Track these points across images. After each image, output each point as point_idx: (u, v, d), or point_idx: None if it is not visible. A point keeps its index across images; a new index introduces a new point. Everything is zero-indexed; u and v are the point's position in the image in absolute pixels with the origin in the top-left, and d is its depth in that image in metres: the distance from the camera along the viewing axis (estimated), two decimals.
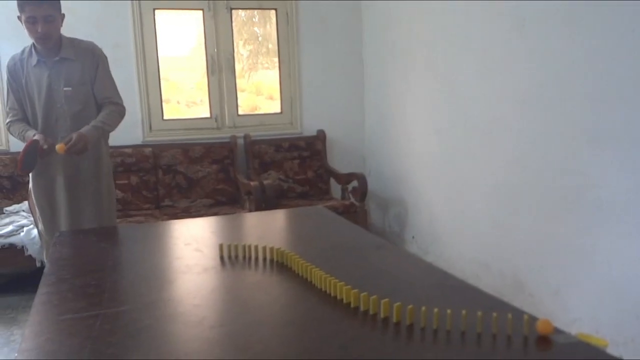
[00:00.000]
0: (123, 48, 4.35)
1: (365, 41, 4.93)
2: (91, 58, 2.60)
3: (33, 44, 2.51)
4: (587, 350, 1.11)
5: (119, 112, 2.68)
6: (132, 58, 4.40)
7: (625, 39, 2.39)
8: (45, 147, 2.38)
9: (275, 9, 4.78)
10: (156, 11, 4.46)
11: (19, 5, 2.40)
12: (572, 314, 2.78)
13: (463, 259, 3.71)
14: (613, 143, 2.48)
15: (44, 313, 1.39)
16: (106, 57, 2.68)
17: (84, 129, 2.49)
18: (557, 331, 1.17)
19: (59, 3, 2.48)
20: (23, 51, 2.57)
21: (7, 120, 2.60)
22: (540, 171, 2.94)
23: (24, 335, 1.23)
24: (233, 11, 4.70)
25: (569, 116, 2.72)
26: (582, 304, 2.72)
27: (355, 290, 1.33)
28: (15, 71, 2.54)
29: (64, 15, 2.52)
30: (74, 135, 2.41)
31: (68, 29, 2.65)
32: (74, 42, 2.58)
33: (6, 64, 2.58)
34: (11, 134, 2.62)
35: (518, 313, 1.25)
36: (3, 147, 4.19)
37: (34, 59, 2.50)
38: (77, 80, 2.55)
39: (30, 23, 2.40)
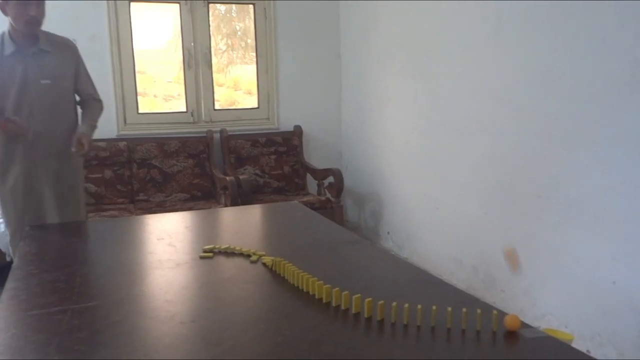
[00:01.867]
0: (98, 40, 4.29)
1: (343, 37, 4.93)
2: (70, 53, 2.55)
3: (8, 32, 2.43)
4: (554, 344, 1.13)
5: (101, 108, 2.72)
6: (107, 51, 4.33)
7: (599, 42, 2.43)
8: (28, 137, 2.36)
9: (254, 4, 4.75)
10: (132, 3, 4.40)
11: None
12: (541, 309, 2.82)
13: (437, 255, 3.75)
14: (584, 143, 2.53)
15: (11, 308, 1.37)
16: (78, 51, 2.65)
17: (84, 129, 2.47)
18: (525, 326, 1.19)
19: None
20: None
21: None
22: (514, 170, 2.98)
23: None
24: (211, 5, 4.66)
25: (542, 116, 2.76)
26: (551, 300, 2.76)
27: (328, 286, 1.34)
28: None
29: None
30: (84, 138, 2.39)
31: (45, 22, 2.60)
32: (49, 35, 2.52)
33: None
34: None
35: (487, 308, 1.27)
36: None
37: (9, 47, 2.41)
38: (56, 74, 2.48)
39: (22, 6, 2.31)
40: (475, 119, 3.27)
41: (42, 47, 2.44)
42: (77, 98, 2.64)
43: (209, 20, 4.64)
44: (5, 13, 2.35)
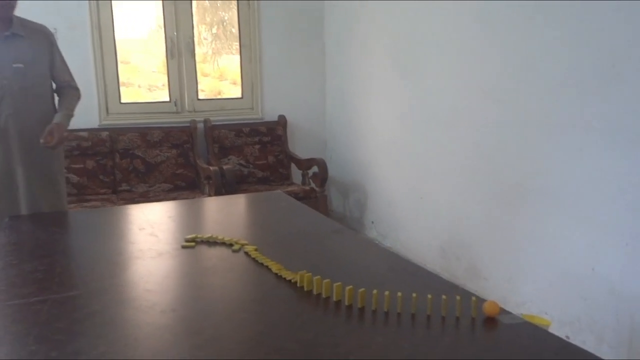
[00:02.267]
0: (79, 29, 4.23)
1: (327, 27, 4.91)
2: (45, 39, 2.53)
3: None
4: (531, 329, 1.14)
5: (78, 96, 2.69)
6: (88, 40, 4.27)
7: (579, 33, 2.44)
8: None
9: None
10: None
11: None
12: (523, 296, 2.86)
13: (421, 244, 3.77)
14: (564, 133, 2.55)
15: None
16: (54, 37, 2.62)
17: (58, 119, 2.43)
18: (503, 312, 1.20)
19: None
20: None
21: None
22: (496, 159, 3.00)
23: None
24: None
25: (524, 106, 2.78)
26: (532, 287, 2.80)
27: (309, 274, 1.34)
28: None
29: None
30: (55, 131, 2.35)
31: (24, 10, 2.56)
32: (24, 21, 2.49)
33: None
34: None
35: (467, 295, 1.28)
36: None
37: None
38: (29, 58, 2.46)
39: None
40: (458, 109, 3.28)
41: (15, 31, 2.41)
42: (54, 86, 2.61)
43: (192, 10, 4.60)
44: None
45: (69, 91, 2.62)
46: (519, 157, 2.82)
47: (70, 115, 2.55)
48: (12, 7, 2.37)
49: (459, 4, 3.20)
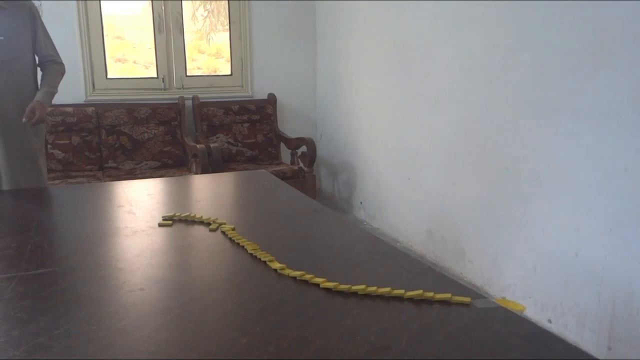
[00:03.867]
0: (64, 3, 4.15)
1: (318, 5, 4.84)
2: (26, 11, 2.46)
3: None
4: (504, 314, 1.13)
5: (62, 71, 2.64)
6: (74, 13, 4.20)
7: (567, 12, 2.40)
8: None
9: None
10: None
11: None
12: (507, 279, 2.86)
13: (408, 225, 3.76)
14: (551, 116, 2.52)
15: None
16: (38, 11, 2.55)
17: (40, 97, 2.39)
18: (477, 296, 1.18)
19: None
20: None
21: None
22: (483, 141, 2.98)
23: None
24: None
25: (512, 88, 2.75)
26: (516, 271, 2.79)
27: (281, 265, 1.31)
28: None
29: None
30: (37, 108, 2.31)
31: None
32: None
33: None
34: None
35: (442, 279, 1.26)
36: None
37: None
38: (10, 31, 2.40)
39: None
40: (446, 90, 3.25)
41: None
42: (37, 60, 2.56)
43: None
44: None
45: (53, 66, 2.58)
46: (508, 141, 2.80)
47: (53, 92, 2.51)
48: None
49: None
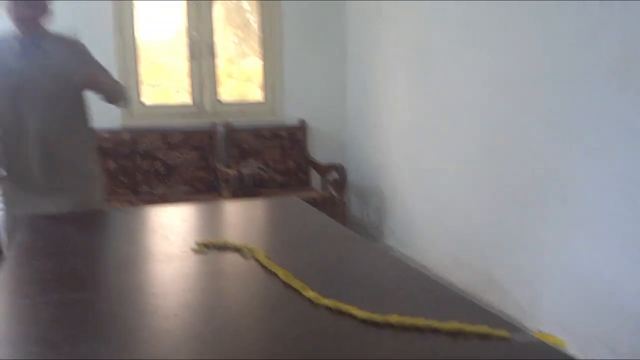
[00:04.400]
0: (102, 31, 4.28)
1: (349, 31, 4.89)
2: (76, 52, 2.45)
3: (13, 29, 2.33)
4: (545, 348, 1.10)
5: (121, 88, 2.61)
6: (111, 41, 4.32)
7: (593, 32, 2.38)
8: None
9: None
10: None
11: None
12: (542, 310, 2.78)
13: (438, 252, 3.71)
14: (582, 136, 2.48)
15: None
16: (88, 49, 2.56)
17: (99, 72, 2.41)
18: (515, 328, 1.15)
19: None
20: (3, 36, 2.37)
21: None
22: (512, 165, 2.94)
23: None
24: None
25: (538, 107, 2.73)
26: (550, 298, 2.72)
27: (315, 293, 1.30)
28: None
29: (51, 11, 2.35)
30: (91, 73, 2.33)
31: None
32: (53, 34, 2.42)
33: None
34: None
35: (478, 311, 1.23)
36: None
37: (13, 45, 2.32)
38: (58, 74, 2.37)
39: (12, 5, 2.23)
40: (475, 116, 3.24)
41: (44, 46, 2.35)
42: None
43: (211, 11, 4.61)
44: (5, 13, 2.29)
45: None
46: (537, 163, 2.77)
47: (111, 83, 2.50)
48: (35, 24, 2.30)
49: (476, 4, 3.16)
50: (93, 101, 4.54)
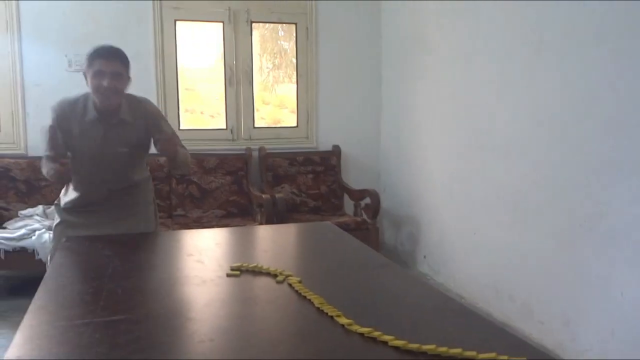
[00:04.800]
0: (143, 58, 4.40)
1: (384, 57, 4.92)
2: (150, 119, 2.47)
3: (92, 99, 2.36)
4: None
5: (188, 154, 2.57)
6: (151, 68, 4.44)
7: None
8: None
9: (295, 24, 4.81)
10: (177, 22, 4.52)
11: (88, 59, 2.30)
12: (582, 344, 2.70)
13: (473, 281, 3.65)
14: (630, 170, 2.43)
15: (38, 318, 1.38)
16: (160, 111, 2.63)
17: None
18: None
19: (129, 64, 2.37)
20: (76, 101, 2.39)
21: (47, 153, 2.32)
22: (555, 196, 2.89)
23: (13, 340, 1.22)
24: (258, 24, 4.77)
25: (585, 140, 2.68)
26: (593, 334, 2.64)
27: (349, 320, 1.30)
28: (65, 119, 2.37)
29: (130, 79, 2.40)
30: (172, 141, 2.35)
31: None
32: (131, 101, 2.45)
33: (53, 106, 2.38)
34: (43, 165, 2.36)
35: (515, 342, 1.21)
36: (21, 151, 4.24)
37: (91, 113, 2.36)
38: (134, 142, 2.43)
39: (97, 78, 2.27)
40: (515, 144, 3.20)
41: (122, 117, 2.38)
42: None
43: (251, 39, 4.71)
44: (87, 82, 2.34)
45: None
46: (581, 195, 2.71)
47: (183, 153, 2.47)
48: (117, 95, 2.34)
49: (517, 34, 3.15)
50: None
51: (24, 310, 1.44)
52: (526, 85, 3.09)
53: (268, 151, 4.67)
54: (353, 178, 4.87)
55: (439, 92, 4.04)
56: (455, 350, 1.14)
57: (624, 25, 2.44)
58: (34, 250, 3.56)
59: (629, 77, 2.42)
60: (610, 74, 2.52)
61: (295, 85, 4.95)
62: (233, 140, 4.73)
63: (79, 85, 4.12)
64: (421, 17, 4.24)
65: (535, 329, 3.02)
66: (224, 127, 4.75)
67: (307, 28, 4.79)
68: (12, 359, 1.13)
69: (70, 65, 4.21)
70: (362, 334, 1.25)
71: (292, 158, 4.70)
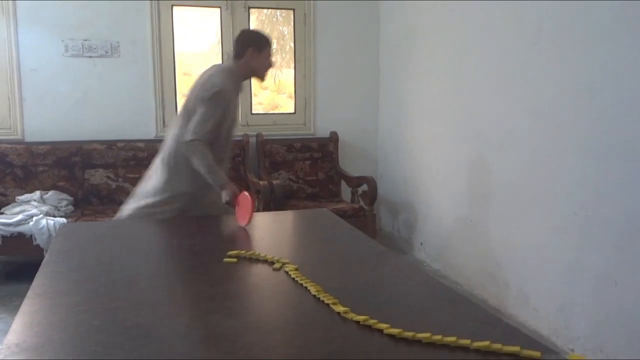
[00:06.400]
0: (141, 44, 4.38)
1: (382, 45, 4.91)
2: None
3: (233, 73, 2.49)
4: None
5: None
6: (149, 54, 4.42)
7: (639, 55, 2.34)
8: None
9: (293, 9, 4.79)
10: (174, 7, 4.49)
11: (263, 41, 2.52)
12: (575, 331, 2.73)
13: (470, 268, 3.68)
14: (624, 161, 2.44)
15: (38, 305, 1.39)
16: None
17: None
18: (547, 350, 1.14)
19: None
20: (230, 81, 2.47)
21: (196, 138, 2.39)
22: (550, 185, 2.90)
23: (12, 327, 1.23)
24: (255, 10, 4.75)
25: (582, 130, 2.68)
26: (586, 322, 2.67)
27: (345, 308, 1.31)
28: (230, 100, 2.45)
29: None
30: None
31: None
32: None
33: (224, 89, 2.42)
34: (192, 153, 2.41)
35: (510, 331, 1.23)
36: (18, 137, 4.23)
37: (236, 89, 2.51)
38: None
39: (270, 59, 2.53)
40: (511, 133, 3.20)
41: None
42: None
43: (249, 24, 4.68)
44: (249, 60, 2.46)
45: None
46: (576, 185, 2.72)
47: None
48: None
49: (514, 25, 3.14)
50: (129, 112, 4.64)
51: (21, 295, 1.45)
52: (523, 76, 3.09)
53: (265, 137, 4.67)
54: (350, 165, 4.88)
55: (437, 80, 4.03)
56: (450, 339, 1.16)
57: (621, 17, 2.43)
58: (31, 236, 3.57)
59: (625, 68, 2.42)
60: (607, 65, 2.52)
61: (293, 71, 4.93)
62: None
63: (75, 71, 4.15)
64: (420, 5, 4.22)
65: (530, 316, 3.05)
66: None
67: (304, 14, 4.77)
68: (11, 343, 1.14)
69: (67, 50, 4.18)
70: (357, 322, 1.26)
71: (289, 144, 4.70)
